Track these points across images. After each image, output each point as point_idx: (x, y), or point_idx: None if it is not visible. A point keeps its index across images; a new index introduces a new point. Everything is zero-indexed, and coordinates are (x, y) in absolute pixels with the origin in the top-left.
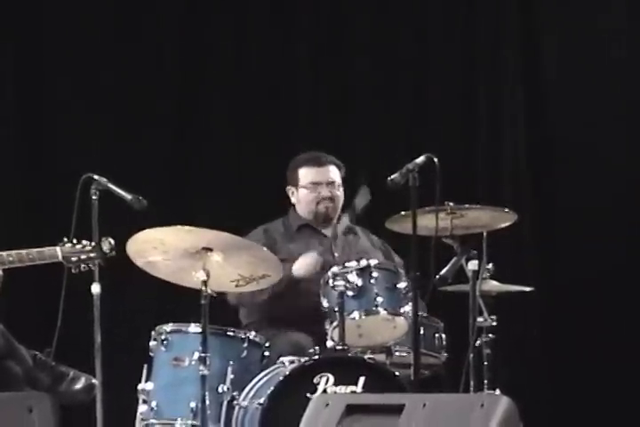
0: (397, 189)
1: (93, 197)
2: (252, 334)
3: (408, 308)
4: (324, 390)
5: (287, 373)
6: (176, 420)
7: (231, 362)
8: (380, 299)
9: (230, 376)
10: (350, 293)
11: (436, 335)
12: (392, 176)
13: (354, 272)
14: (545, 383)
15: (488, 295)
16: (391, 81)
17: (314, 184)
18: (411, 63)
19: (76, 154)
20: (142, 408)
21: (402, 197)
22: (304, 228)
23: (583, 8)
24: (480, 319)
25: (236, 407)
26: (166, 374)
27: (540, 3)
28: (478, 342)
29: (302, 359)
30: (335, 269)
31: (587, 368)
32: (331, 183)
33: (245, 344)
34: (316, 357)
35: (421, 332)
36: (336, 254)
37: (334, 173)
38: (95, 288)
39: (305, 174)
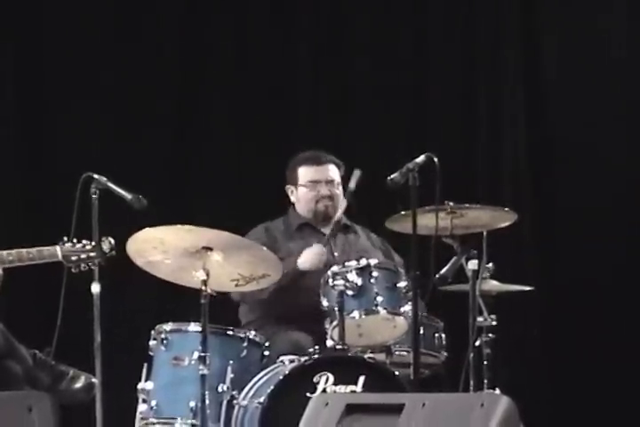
0: (397, 188)
1: (93, 197)
2: (251, 334)
3: (408, 307)
4: (324, 390)
5: (287, 372)
6: (176, 419)
7: (231, 361)
8: (379, 298)
9: (230, 376)
10: (350, 292)
11: (436, 335)
12: (392, 176)
13: (354, 271)
14: (545, 383)
15: (488, 295)
16: (391, 81)
17: (313, 183)
18: (411, 63)
19: (76, 154)
20: (142, 408)
21: (402, 197)
22: (304, 227)
23: (583, 8)
24: (480, 319)
25: (236, 407)
26: (166, 374)
27: (541, 3)
28: (478, 341)
29: (302, 359)
30: (335, 268)
31: (586, 368)
32: (330, 182)
33: (245, 344)
34: (316, 356)
35: (421, 331)
36: (336, 254)
37: (333, 172)
38: (95, 288)
39: (304, 173)
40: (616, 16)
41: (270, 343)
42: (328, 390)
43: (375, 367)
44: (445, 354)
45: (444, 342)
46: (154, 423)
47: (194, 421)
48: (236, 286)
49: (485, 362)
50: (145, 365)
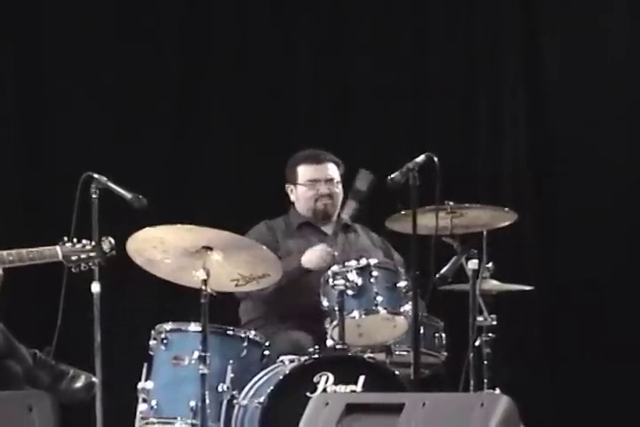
0: (397, 188)
1: (93, 196)
2: (251, 333)
3: (408, 307)
4: (324, 390)
5: (287, 372)
6: (176, 419)
7: (231, 361)
8: (379, 298)
9: (230, 375)
10: (350, 292)
11: (436, 335)
12: (392, 175)
13: (354, 271)
14: (546, 383)
15: (488, 294)
16: (391, 81)
17: (312, 181)
18: (411, 63)
19: (76, 154)
20: (142, 407)
21: (402, 197)
22: (304, 226)
23: (584, 8)
24: (480, 319)
25: (236, 406)
26: (166, 373)
27: (541, 3)
28: (478, 341)
29: (302, 358)
30: (335, 268)
31: (587, 368)
32: (329, 180)
33: (245, 343)
34: (316, 356)
35: (421, 331)
36: (336, 253)
37: (333, 171)
38: (95, 287)
39: (303, 172)
40: (617, 16)
41: (270, 343)
42: (328, 389)
43: (375, 367)
44: (445, 354)
45: (444, 342)
46: (154, 423)
47: (194, 420)
48: (236, 285)
49: (485, 362)
50: (145, 364)
